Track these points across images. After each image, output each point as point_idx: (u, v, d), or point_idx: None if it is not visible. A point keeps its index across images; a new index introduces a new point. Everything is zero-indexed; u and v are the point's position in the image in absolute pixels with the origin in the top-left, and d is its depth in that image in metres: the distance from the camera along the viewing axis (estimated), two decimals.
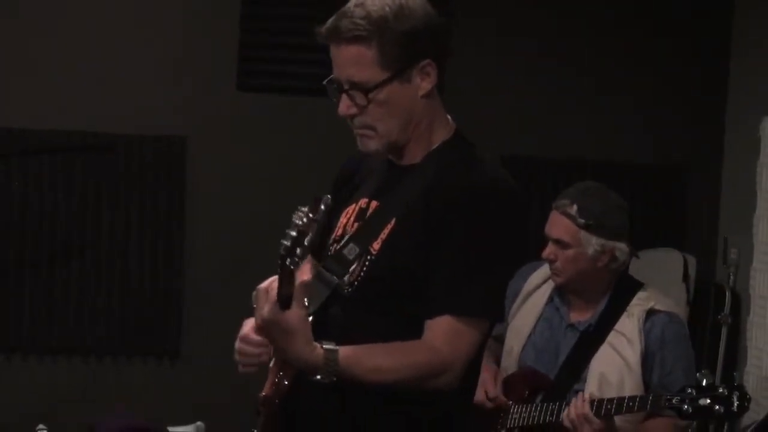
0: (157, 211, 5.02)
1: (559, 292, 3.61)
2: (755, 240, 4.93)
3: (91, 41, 4.96)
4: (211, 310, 4.99)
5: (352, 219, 2.52)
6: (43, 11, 4.91)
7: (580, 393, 3.39)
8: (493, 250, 2.37)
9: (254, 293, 2.31)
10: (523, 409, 3.52)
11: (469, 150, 2.49)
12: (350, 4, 2.41)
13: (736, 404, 3.23)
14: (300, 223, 2.17)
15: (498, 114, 5.16)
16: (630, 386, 3.42)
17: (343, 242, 2.46)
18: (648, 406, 3.34)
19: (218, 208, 5.09)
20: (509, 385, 3.58)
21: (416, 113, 2.45)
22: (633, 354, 3.45)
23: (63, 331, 4.98)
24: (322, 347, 2.27)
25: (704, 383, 3.25)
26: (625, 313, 3.51)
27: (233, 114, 5.08)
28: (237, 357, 2.49)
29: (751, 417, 4.12)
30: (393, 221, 2.43)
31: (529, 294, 3.68)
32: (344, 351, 2.28)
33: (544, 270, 3.65)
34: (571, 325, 3.56)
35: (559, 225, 3.49)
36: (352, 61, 2.38)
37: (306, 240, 2.17)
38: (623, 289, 3.56)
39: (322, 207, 2.20)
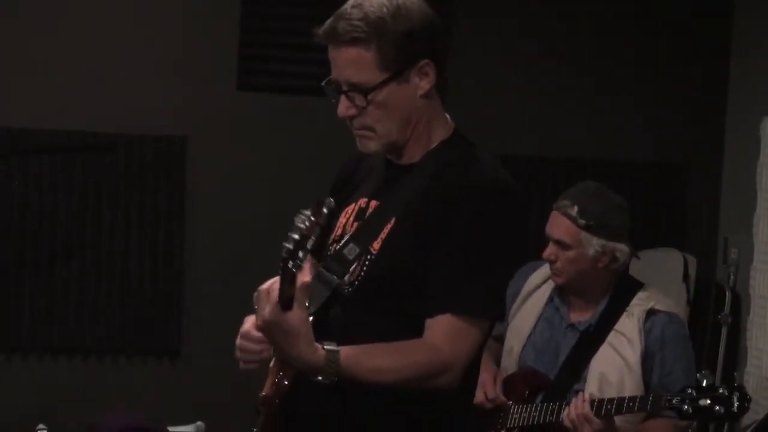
0: (157, 211, 5.02)
1: (559, 292, 3.61)
2: (755, 240, 4.93)
3: (91, 41, 4.95)
4: (211, 310, 4.99)
5: (351, 219, 2.52)
6: (43, 11, 4.91)
7: (581, 393, 3.39)
8: (493, 250, 2.37)
9: (255, 294, 2.31)
10: (523, 409, 3.52)
11: (468, 149, 2.49)
12: (347, 5, 2.40)
13: (736, 405, 3.23)
14: (303, 226, 2.17)
15: (498, 114, 5.16)
16: (630, 386, 3.42)
17: (343, 242, 2.46)
18: (648, 407, 3.34)
19: (218, 208, 5.09)
20: (509, 385, 3.58)
21: (415, 113, 2.45)
22: (633, 354, 3.45)
23: (63, 331, 4.98)
24: (323, 348, 2.27)
25: (704, 384, 3.25)
26: (625, 313, 3.51)
27: (233, 114, 5.08)
28: (238, 354, 2.49)
29: (751, 417, 4.12)
30: (393, 220, 2.43)
31: (529, 294, 3.68)
32: (345, 351, 2.28)
33: (544, 270, 3.65)
34: (571, 325, 3.56)
35: (559, 226, 3.49)
36: (351, 63, 2.38)
37: (308, 243, 2.17)
38: (623, 289, 3.56)
39: (325, 210, 2.20)
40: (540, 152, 5.24)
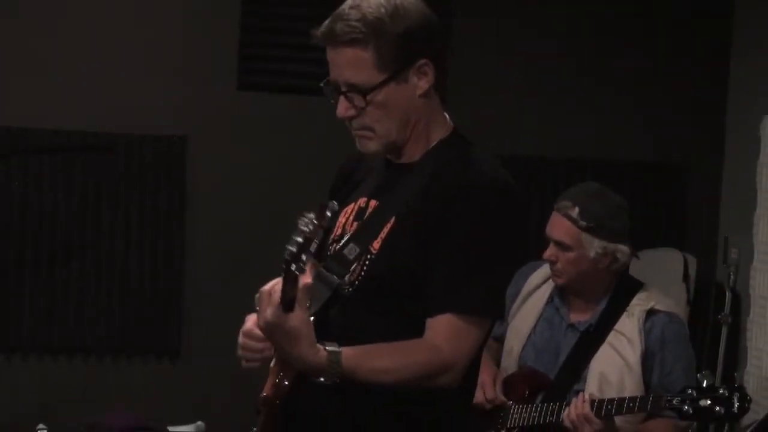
0: (157, 211, 5.02)
1: (560, 292, 3.61)
2: (755, 240, 4.93)
3: (91, 41, 4.95)
4: (211, 310, 4.99)
5: (351, 218, 2.52)
6: (43, 11, 4.91)
7: (581, 393, 3.39)
8: (493, 250, 2.37)
9: (257, 296, 2.32)
10: (524, 409, 3.52)
11: (467, 148, 2.49)
12: (345, 6, 2.40)
13: (736, 405, 3.23)
14: (306, 229, 2.17)
15: (498, 114, 5.16)
16: (630, 386, 3.42)
17: (343, 242, 2.46)
18: (648, 407, 3.34)
19: (218, 208, 5.08)
20: (509, 385, 3.58)
21: (414, 113, 2.45)
22: (633, 354, 3.45)
23: (63, 331, 4.98)
24: (325, 349, 2.27)
25: (705, 384, 3.26)
26: (625, 313, 3.51)
27: (233, 114, 5.08)
28: (240, 352, 2.49)
29: (751, 417, 4.12)
30: (392, 220, 2.43)
31: (529, 294, 3.68)
32: (347, 352, 2.29)
33: (544, 270, 3.65)
34: (572, 325, 3.56)
35: (560, 227, 3.48)
36: (349, 64, 2.38)
37: (311, 247, 2.17)
38: (623, 289, 3.56)
39: (328, 214, 2.20)
40: (540, 152, 5.24)
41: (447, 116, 2.53)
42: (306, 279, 2.25)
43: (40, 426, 4.68)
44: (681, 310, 4.18)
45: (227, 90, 5.05)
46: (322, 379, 2.28)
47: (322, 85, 2.45)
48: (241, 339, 2.48)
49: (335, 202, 2.26)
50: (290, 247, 2.17)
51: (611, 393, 3.40)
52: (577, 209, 3.46)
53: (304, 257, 2.17)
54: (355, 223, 2.50)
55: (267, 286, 2.30)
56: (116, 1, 5.02)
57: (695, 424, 3.83)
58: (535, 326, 3.62)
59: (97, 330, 5.00)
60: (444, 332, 2.35)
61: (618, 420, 3.39)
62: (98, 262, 4.99)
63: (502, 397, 3.56)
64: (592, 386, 3.44)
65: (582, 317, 3.56)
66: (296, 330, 2.24)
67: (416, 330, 2.36)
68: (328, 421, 2.42)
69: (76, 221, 4.96)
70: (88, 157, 4.94)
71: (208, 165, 5.06)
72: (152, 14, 5.01)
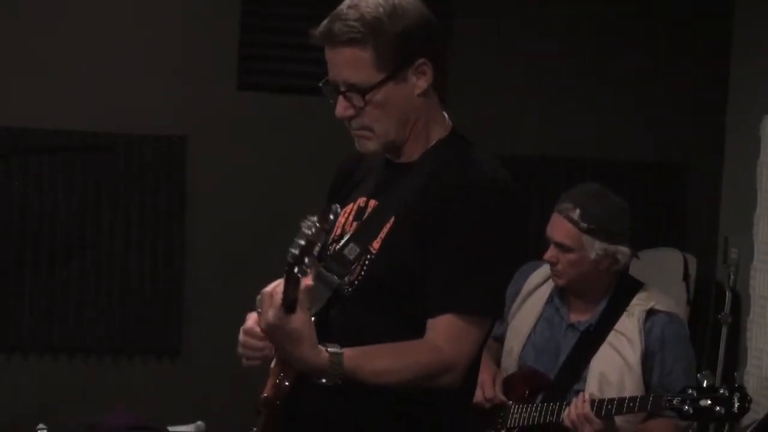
0: (157, 211, 5.02)
1: (560, 292, 3.61)
2: (755, 239, 4.93)
3: (91, 41, 4.95)
4: (210, 310, 4.99)
5: (350, 218, 2.52)
6: (43, 11, 4.91)
7: (581, 393, 3.39)
8: (493, 250, 2.37)
9: (258, 297, 2.32)
10: (524, 409, 3.52)
11: (466, 148, 2.49)
12: (343, 6, 2.40)
13: (736, 405, 3.23)
14: (309, 232, 2.17)
15: (498, 114, 5.16)
16: (630, 386, 3.42)
17: (343, 242, 2.46)
18: (648, 407, 3.34)
19: (218, 208, 5.08)
20: (509, 385, 3.58)
21: (413, 112, 2.45)
22: (633, 354, 3.45)
23: (63, 331, 4.97)
24: (326, 350, 2.27)
25: (705, 384, 3.26)
26: (625, 313, 3.51)
27: (233, 114, 5.07)
28: (240, 350, 2.49)
29: (751, 417, 4.12)
30: (392, 220, 2.43)
31: (529, 294, 3.68)
32: (349, 353, 2.29)
33: (544, 269, 3.65)
34: (571, 325, 3.56)
35: (561, 228, 3.48)
36: (348, 64, 2.38)
37: (314, 250, 2.17)
38: (623, 289, 3.56)
39: (331, 217, 2.21)
40: (540, 152, 5.23)
41: (446, 116, 2.53)
42: (307, 280, 2.25)
43: (40, 426, 4.68)
44: (681, 310, 4.18)
45: (227, 90, 5.05)
46: (323, 381, 2.28)
47: (320, 85, 2.45)
48: (241, 337, 2.48)
49: (338, 206, 2.26)
50: (293, 250, 2.17)
51: (611, 393, 3.40)
52: (578, 211, 3.45)
53: (307, 260, 2.17)
54: (355, 223, 2.50)
55: (268, 288, 2.30)
56: (116, 1, 5.02)
57: (695, 424, 3.83)
58: (535, 326, 3.62)
59: (97, 330, 5.00)
60: (445, 332, 2.35)
61: (618, 420, 3.39)
62: (98, 262, 4.99)
63: (502, 397, 3.56)
64: (592, 386, 3.44)
65: (582, 317, 3.56)
66: (298, 332, 2.25)
67: (416, 330, 2.36)
68: (329, 421, 2.42)
69: (76, 221, 4.96)
70: (88, 157, 4.94)
71: (208, 165, 5.06)
72: (152, 14, 5.01)
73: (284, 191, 4.99)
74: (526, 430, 3.51)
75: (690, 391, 3.27)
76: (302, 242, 2.17)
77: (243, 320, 2.51)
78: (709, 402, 3.24)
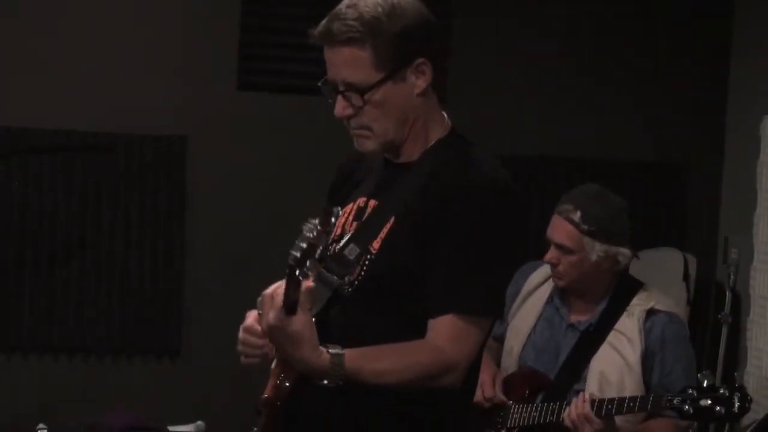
0: (157, 211, 5.02)
1: (560, 292, 3.61)
2: (755, 239, 4.93)
3: (91, 41, 4.95)
4: (210, 310, 4.99)
5: (350, 218, 2.52)
6: (43, 11, 4.91)
7: (581, 393, 3.39)
8: (493, 250, 2.37)
9: (259, 299, 2.32)
10: (524, 408, 3.52)
11: (466, 148, 2.49)
12: (342, 6, 2.40)
13: (737, 405, 3.23)
14: (310, 235, 2.17)
15: (497, 114, 5.16)
16: (630, 386, 3.42)
17: (343, 242, 2.46)
18: (648, 407, 3.34)
19: (218, 208, 5.08)
20: (509, 384, 3.58)
21: (412, 112, 2.45)
22: (633, 354, 3.45)
23: (63, 331, 4.97)
24: (328, 352, 2.27)
25: (705, 384, 3.26)
26: (625, 313, 3.51)
27: (233, 114, 5.07)
28: (240, 348, 2.49)
29: (751, 417, 4.12)
30: (392, 220, 2.43)
31: (530, 293, 3.68)
32: (350, 354, 2.29)
33: (544, 269, 3.65)
34: (572, 325, 3.56)
35: (561, 230, 3.48)
36: (347, 63, 2.38)
37: (316, 252, 2.18)
38: (623, 289, 3.56)
39: (333, 220, 2.21)
40: (540, 152, 5.23)
41: (445, 115, 2.53)
42: (308, 282, 2.25)
43: (40, 426, 4.68)
44: (681, 309, 4.18)
45: (227, 90, 5.05)
46: (325, 382, 2.28)
47: (319, 84, 2.45)
48: (241, 335, 2.48)
49: (339, 207, 2.26)
50: (294, 253, 2.17)
51: (611, 393, 3.40)
52: (579, 213, 3.45)
53: (308, 263, 2.18)
54: (355, 223, 2.50)
55: (269, 290, 2.30)
56: (116, 1, 5.02)
57: (695, 423, 3.83)
58: (535, 326, 3.62)
59: (97, 330, 5.00)
60: (446, 333, 2.35)
61: (618, 420, 3.39)
62: (98, 262, 4.99)
63: (502, 396, 3.56)
64: (592, 386, 3.44)
65: (582, 317, 3.56)
66: (299, 333, 2.25)
67: (416, 330, 2.36)
68: (330, 422, 2.41)
69: (76, 221, 4.96)
70: (88, 157, 4.94)
71: (208, 165, 5.06)
72: (152, 14, 5.01)
73: (284, 191, 4.99)
74: (526, 430, 3.51)
75: (690, 391, 3.27)
76: (303, 245, 2.17)
77: (243, 320, 2.51)
78: (710, 402, 3.24)
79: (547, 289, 3.65)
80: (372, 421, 2.39)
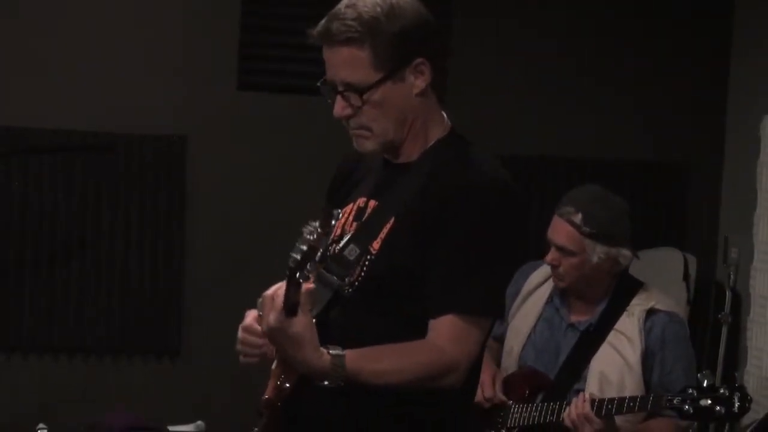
0: (157, 211, 5.02)
1: (560, 292, 3.61)
2: (755, 239, 4.92)
3: (91, 41, 4.95)
4: (210, 310, 4.99)
5: (350, 219, 2.52)
6: (43, 11, 4.91)
7: (581, 393, 3.39)
8: (493, 250, 2.37)
9: (259, 300, 2.32)
10: (524, 408, 3.52)
11: (466, 148, 2.49)
12: (341, 6, 2.41)
13: (737, 405, 3.24)
14: (311, 238, 2.17)
15: (497, 114, 5.16)
16: (630, 386, 3.43)
17: (343, 243, 2.46)
18: (649, 406, 3.34)
19: (218, 208, 5.08)
20: (509, 384, 3.59)
21: (411, 112, 2.45)
22: (633, 353, 3.45)
23: (63, 331, 4.97)
24: (328, 353, 2.27)
25: (705, 384, 3.26)
26: (625, 313, 3.51)
27: (233, 114, 5.07)
28: (239, 347, 2.49)
29: (751, 417, 4.12)
30: (392, 220, 2.43)
31: (530, 293, 3.68)
32: (351, 355, 2.29)
33: (544, 269, 3.65)
34: (571, 325, 3.56)
35: (562, 232, 3.48)
36: (346, 63, 2.38)
37: (316, 255, 2.18)
38: (624, 289, 3.56)
39: (333, 222, 2.21)
40: (540, 152, 5.23)
41: (445, 115, 2.53)
42: (308, 284, 2.25)
43: (40, 426, 4.68)
44: (681, 309, 4.18)
45: (227, 90, 5.05)
46: (326, 383, 2.28)
47: (318, 84, 2.45)
48: (240, 334, 2.48)
49: (339, 210, 2.26)
50: (295, 255, 2.18)
51: (611, 392, 3.40)
52: (580, 215, 3.45)
53: (309, 266, 2.18)
54: (355, 224, 2.50)
55: (269, 291, 2.30)
56: (116, 1, 5.02)
57: (695, 423, 3.84)
58: (535, 326, 3.62)
59: (97, 330, 5.00)
60: (446, 333, 2.35)
61: (618, 419, 3.39)
62: (98, 262, 4.99)
63: (502, 396, 3.56)
64: (592, 386, 3.44)
65: (582, 317, 3.56)
66: (299, 335, 2.25)
67: (416, 330, 2.36)
68: (331, 423, 2.41)
69: (76, 221, 4.96)
70: (88, 157, 4.94)
71: (208, 165, 5.06)
72: (152, 14, 5.01)
73: (284, 191, 4.99)
74: (526, 429, 3.51)
75: (690, 391, 3.27)
76: (304, 247, 2.17)
77: (243, 319, 2.51)
78: (710, 402, 3.24)
79: (547, 289, 3.65)
80: (373, 421, 2.39)
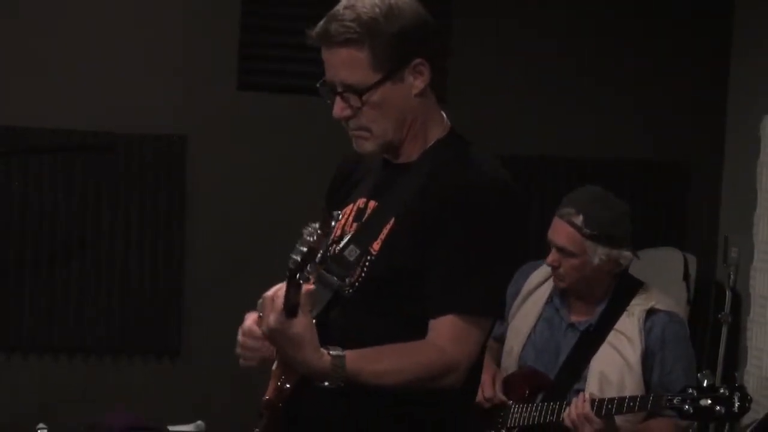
0: (157, 211, 5.02)
1: (560, 292, 3.61)
2: (755, 239, 4.92)
3: (91, 41, 4.95)
4: (210, 310, 4.99)
5: (350, 219, 2.51)
6: (43, 11, 4.91)
7: (581, 393, 3.39)
8: (493, 250, 2.37)
9: (260, 301, 2.32)
10: (524, 408, 3.52)
11: (465, 148, 2.48)
12: (340, 6, 2.40)
13: (737, 405, 3.24)
14: (311, 239, 2.17)
15: (497, 114, 5.16)
16: (630, 385, 3.43)
17: (343, 244, 2.46)
18: (649, 406, 3.34)
19: (218, 208, 5.08)
20: (509, 384, 3.59)
21: (410, 112, 2.45)
22: (633, 353, 3.45)
23: (63, 331, 4.97)
24: (329, 354, 2.27)
25: (705, 384, 3.26)
26: (625, 313, 3.51)
27: (233, 114, 5.07)
28: (239, 350, 2.49)
29: (751, 417, 4.12)
30: (392, 221, 2.43)
31: (530, 293, 3.68)
32: (351, 356, 2.29)
33: (544, 269, 3.65)
34: (571, 325, 3.56)
35: (563, 233, 3.48)
36: (345, 64, 2.38)
37: (317, 257, 2.18)
38: (624, 289, 3.56)
39: (333, 224, 2.21)
40: (540, 152, 5.23)
41: (444, 115, 2.53)
42: (308, 285, 2.25)
43: (40, 426, 4.68)
44: (681, 309, 4.18)
45: (227, 90, 5.05)
46: (326, 384, 2.28)
47: (318, 85, 2.45)
48: (240, 337, 2.48)
49: (339, 212, 2.26)
50: (295, 257, 2.18)
51: (611, 392, 3.40)
52: (581, 217, 3.44)
53: (309, 267, 2.18)
54: (355, 224, 2.49)
55: (270, 292, 2.30)
56: (116, 1, 5.02)
57: (695, 423, 3.84)
58: (535, 326, 3.62)
59: (97, 330, 5.00)
60: (447, 333, 2.35)
61: (618, 419, 3.39)
62: (98, 262, 4.99)
63: (502, 396, 3.56)
64: (592, 386, 3.44)
65: (582, 317, 3.56)
66: (300, 336, 2.25)
67: (416, 331, 2.36)
68: (331, 424, 2.41)
69: (76, 221, 4.96)
70: (88, 157, 4.94)
71: (208, 165, 5.06)
72: (152, 14, 5.01)
73: (284, 191, 4.99)
74: (526, 429, 3.51)
75: (690, 391, 3.27)
76: (304, 249, 2.17)
77: (243, 320, 2.51)
78: (710, 401, 3.24)
79: (547, 289, 3.65)
80: (373, 422, 2.39)
